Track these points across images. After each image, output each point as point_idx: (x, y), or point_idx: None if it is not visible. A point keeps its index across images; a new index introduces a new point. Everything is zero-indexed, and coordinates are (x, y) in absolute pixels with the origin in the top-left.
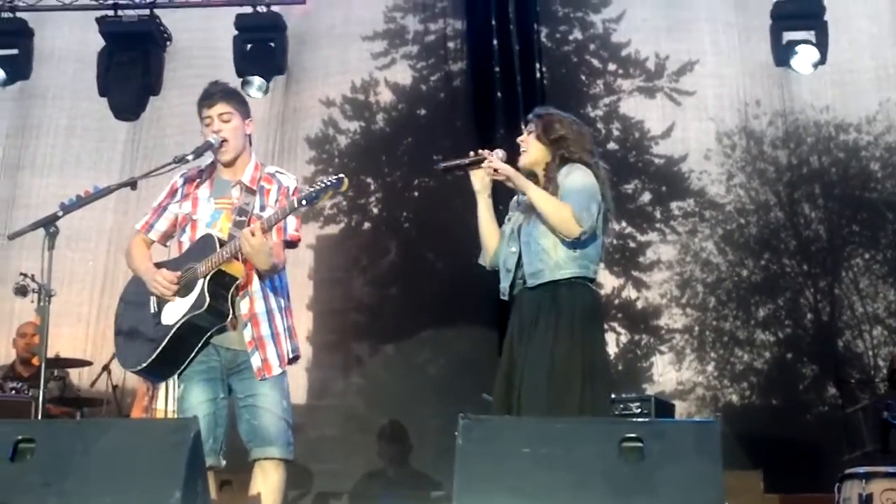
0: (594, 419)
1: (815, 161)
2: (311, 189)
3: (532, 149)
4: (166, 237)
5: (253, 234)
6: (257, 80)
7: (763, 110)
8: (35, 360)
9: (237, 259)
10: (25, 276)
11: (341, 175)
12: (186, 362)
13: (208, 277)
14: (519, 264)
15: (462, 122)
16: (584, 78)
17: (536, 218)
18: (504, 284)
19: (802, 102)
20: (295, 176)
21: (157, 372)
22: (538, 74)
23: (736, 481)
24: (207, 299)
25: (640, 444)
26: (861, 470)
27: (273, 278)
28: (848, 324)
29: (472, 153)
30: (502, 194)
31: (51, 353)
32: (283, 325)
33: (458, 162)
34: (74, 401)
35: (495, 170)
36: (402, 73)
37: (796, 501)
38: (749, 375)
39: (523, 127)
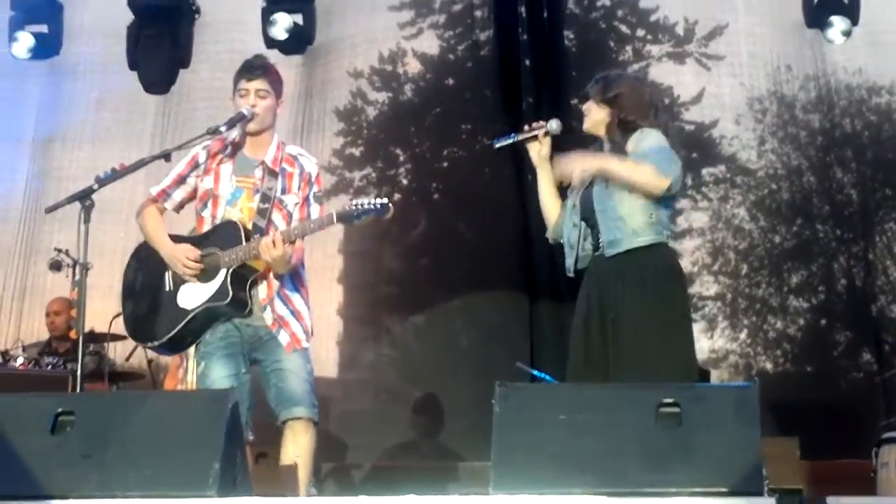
0: (630, 385)
1: (848, 125)
2: (353, 208)
3: (592, 111)
4: (181, 207)
5: (274, 245)
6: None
7: (794, 74)
8: (72, 334)
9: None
10: (60, 250)
11: (386, 201)
12: (198, 341)
13: (231, 269)
14: (581, 238)
15: (490, 91)
16: (612, 44)
17: (612, 185)
18: (569, 262)
19: (834, 65)
20: (316, 160)
21: (169, 348)
22: (566, 41)
23: (772, 448)
24: (230, 292)
25: (677, 410)
26: None
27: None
28: (882, 289)
29: (526, 127)
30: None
31: (86, 328)
32: (304, 304)
33: (514, 139)
34: (110, 375)
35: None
36: (430, 43)
37: (833, 467)
38: (783, 342)
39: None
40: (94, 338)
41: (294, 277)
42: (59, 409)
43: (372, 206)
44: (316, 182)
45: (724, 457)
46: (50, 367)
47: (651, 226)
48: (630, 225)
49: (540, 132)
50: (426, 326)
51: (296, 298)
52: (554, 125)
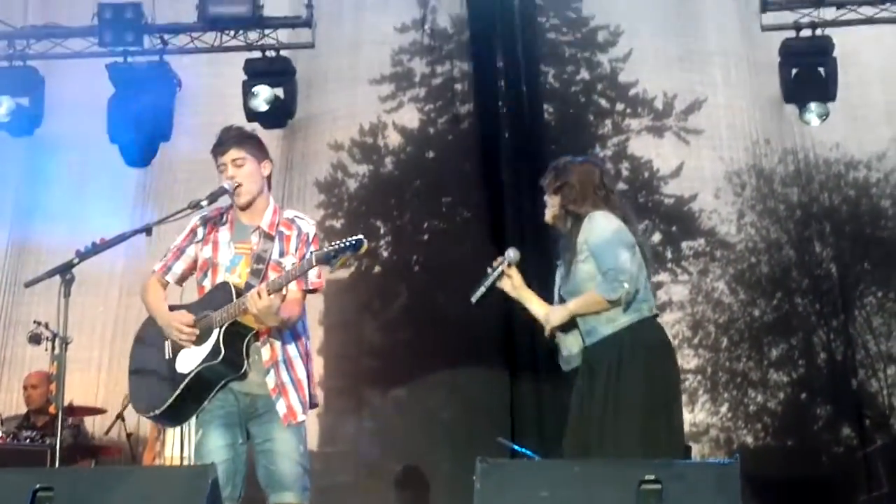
0: (612, 461)
1: (826, 199)
2: (329, 248)
3: (548, 203)
4: (183, 279)
5: (259, 297)
6: (265, 91)
7: (773, 148)
8: (51, 409)
9: None
10: (39, 323)
11: (360, 237)
12: (200, 409)
13: (224, 328)
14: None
15: (470, 164)
16: (591, 118)
17: (574, 277)
18: (560, 358)
19: (812, 139)
20: (314, 222)
21: (171, 417)
22: (546, 115)
23: None
24: (223, 350)
25: (658, 487)
26: None
27: (295, 324)
28: (862, 363)
29: (489, 269)
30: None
31: (65, 401)
32: (305, 372)
33: (485, 288)
34: (88, 449)
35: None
36: (410, 116)
37: None
38: (763, 416)
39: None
40: (73, 412)
41: (297, 342)
42: (38, 485)
43: (347, 244)
44: (313, 242)
45: None
46: (28, 440)
47: (624, 308)
48: (604, 313)
49: (503, 266)
50: (407, 399)
51: (298, 365)
52: (511, 254)
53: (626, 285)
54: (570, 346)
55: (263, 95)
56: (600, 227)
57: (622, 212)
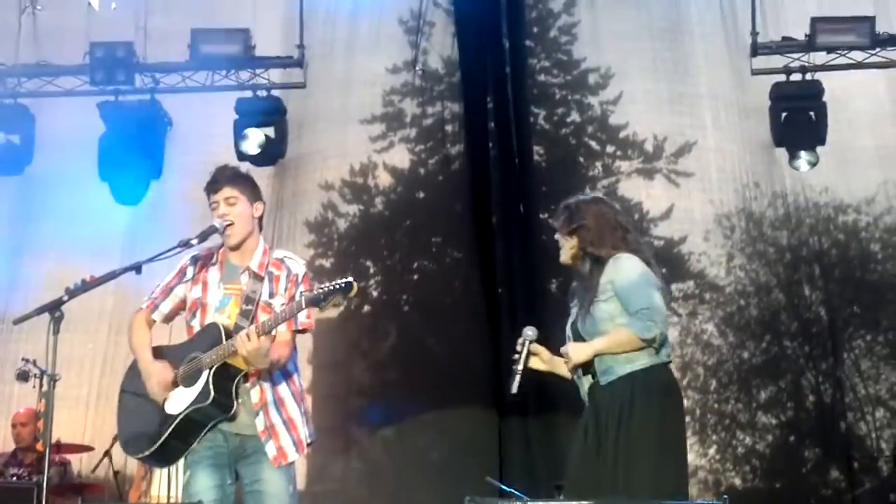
0: (599, 502)
1: (815, 242)
2: (319, 291)
3: (562, 244)
4: (170, 318)
5: (249, 339)
6: (256, 134)
7: (763, 191)
8: (39, 447)
9: None
10: (27, 360)
11: (350, 279)
12: (188, 450)
13: (213, 370)
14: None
15: (460, 204)
16: (582, 160)
17: (593, 313)
18: (581, 391)
19: (802, 183)
20: (304, 261)
21: (159, 458)
22: (536, 157)
23: None
24: (212, 393)
25: None
26: None
27: (285, 365)
28: (850, 406)
29: (514, 356)
30: None
31: (52, 439)
32: (297, 410)
33: (519, 376)
34: (74, 487)
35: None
36: (401, 156)
37: None
38: (751, 459)
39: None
40: (60, 449)
41: (288, 381)
42: None
43: (337, 286)
44: (303, 282)
45: None
46: (15, 478)
47: (644, 350)
48: (621, 353)
49: (528, 346)
50: (395, 439)
51: (290, 404)
52: (530, 333)
53: (660, 325)
54: (585, 386)
55: (255, 139)
56: (627, 268)
57: (644, 255)
